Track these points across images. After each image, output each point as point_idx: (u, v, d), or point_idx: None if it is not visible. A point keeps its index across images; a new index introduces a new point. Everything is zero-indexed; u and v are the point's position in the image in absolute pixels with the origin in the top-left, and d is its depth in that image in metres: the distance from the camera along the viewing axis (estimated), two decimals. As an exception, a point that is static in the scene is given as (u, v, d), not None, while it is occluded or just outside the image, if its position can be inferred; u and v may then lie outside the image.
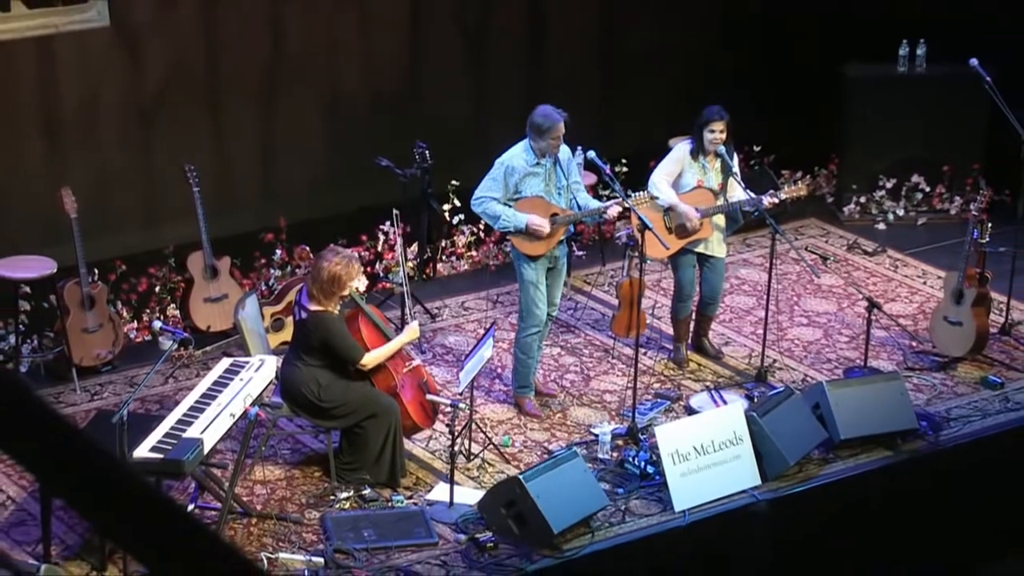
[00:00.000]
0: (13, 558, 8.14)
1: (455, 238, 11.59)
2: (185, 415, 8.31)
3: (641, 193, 9.72)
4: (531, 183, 9.45)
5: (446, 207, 11.38)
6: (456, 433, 8.91)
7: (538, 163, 9.44)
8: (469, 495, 8.87)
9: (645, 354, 10.28)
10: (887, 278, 11.66)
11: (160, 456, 7.97)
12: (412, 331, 9.21)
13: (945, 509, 9.41)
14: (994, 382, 10.18)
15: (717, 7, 12.89)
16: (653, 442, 9.10)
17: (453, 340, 10.62)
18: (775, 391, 9.63)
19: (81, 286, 9.78)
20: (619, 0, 12.43)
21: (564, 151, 9.53)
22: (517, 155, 9.46)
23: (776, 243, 10.06)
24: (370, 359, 8.95)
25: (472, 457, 9.31)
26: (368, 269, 10.51)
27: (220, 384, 8.57)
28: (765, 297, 10.29)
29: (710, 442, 8.96)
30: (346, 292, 8.82)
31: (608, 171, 9.72)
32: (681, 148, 10.05)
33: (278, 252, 11.04)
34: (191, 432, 8.13)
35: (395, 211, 10.38)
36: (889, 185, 12.59)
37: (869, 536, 9.29)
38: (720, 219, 10.11)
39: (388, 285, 11.00)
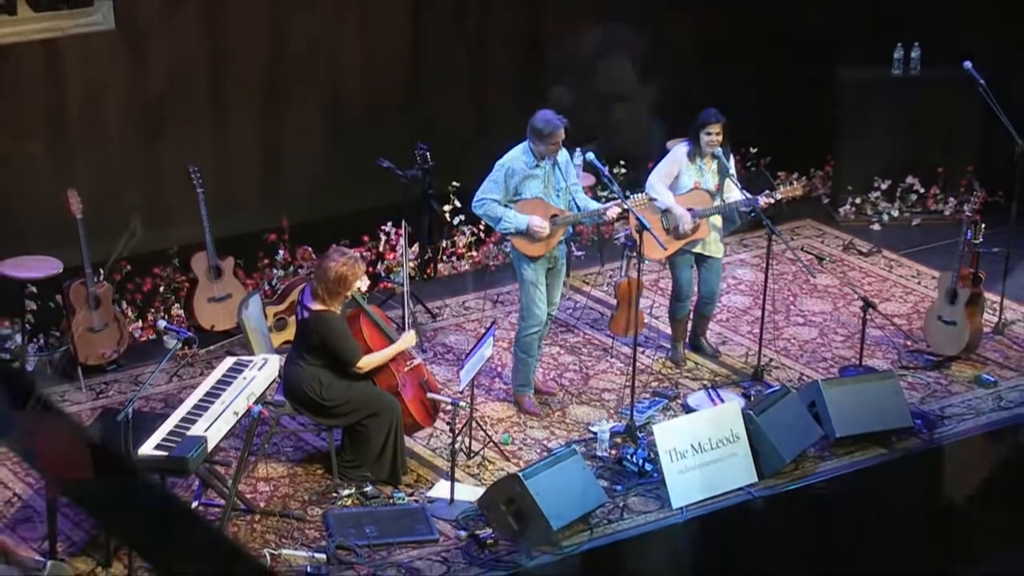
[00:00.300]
0: (20, 554, 8.20)
1: (455, 238, 11.67)
2: (189, 413, 8.38)
3: (639, 195, 9.82)
4: (530, 185, 9.55)
5: (447, 208, 11.46)
6: (457, 431, 9.00)
7: (537, 165, 9.54)
8: (469, 492, 8.94)
9: (643, 353, 10.35)
10: (882, 278, 11.74)
11: (164, 453, 8.05)
12: (408, 339, 9.31)
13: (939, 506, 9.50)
14: (987, 381, 10.26)
15: (715, 10, 12.95)
16: (651, 440, 9.17)
17: (454, 339, 10.70)
18: (771, 390, 9.71)
19: (87, 286, 9.86)
20: (618, 2, 12.49)
21: (563, 153, 9.64)
22: (517, 157, 9.56)
23: (772, 243, 10.16)
24: (367, 362, 9.05)
25: (472, 455, 9.39)
26: (370, 269, 10.61)
27: (224, 383, 8.64)
28: (762, 297, 10.39)
29: (707, 440, 9.04)
30: (350, 292, 8.92)
31: (607, 172, 9.82)
32: (678, 150, 10.13)
33: (281, 252, 11.12)
34: (195, 430, 8.21)
35: (404, 223, 10.45)
36: (884, 186, 12.67)
37: (864, 533, 9.36)
38: (717, 220, 10.18)
39: (389, 285, 11.09)
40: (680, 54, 12.79)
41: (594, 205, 9.74)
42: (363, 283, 9.08)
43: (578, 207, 9.68)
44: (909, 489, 9.43)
